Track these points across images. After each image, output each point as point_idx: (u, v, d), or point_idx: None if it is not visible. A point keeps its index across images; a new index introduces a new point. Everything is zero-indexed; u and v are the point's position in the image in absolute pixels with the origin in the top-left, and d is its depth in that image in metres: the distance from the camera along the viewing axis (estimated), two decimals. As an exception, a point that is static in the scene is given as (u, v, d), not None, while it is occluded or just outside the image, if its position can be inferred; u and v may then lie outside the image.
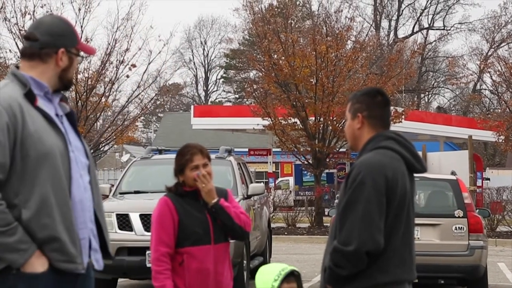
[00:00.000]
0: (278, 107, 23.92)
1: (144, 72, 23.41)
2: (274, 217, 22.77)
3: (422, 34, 58.24)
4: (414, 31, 57.21)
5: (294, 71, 22.89)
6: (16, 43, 21.94)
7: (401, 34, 56.84)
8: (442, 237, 10.64)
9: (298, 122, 23.42)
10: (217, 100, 69.58)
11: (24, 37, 3.42)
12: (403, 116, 24.60)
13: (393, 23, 57.72)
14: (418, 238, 10.46)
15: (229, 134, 39.83)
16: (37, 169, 3.21)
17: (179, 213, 4.65)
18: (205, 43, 69.68)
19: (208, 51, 69.83)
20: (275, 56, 24.09)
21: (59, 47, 3.36)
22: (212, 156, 13.40)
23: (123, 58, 21.99)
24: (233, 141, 38.97)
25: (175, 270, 4.64)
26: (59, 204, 3.23)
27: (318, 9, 27.66)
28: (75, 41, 3.44)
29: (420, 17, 57.66)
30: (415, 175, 3.77)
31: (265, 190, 13.39)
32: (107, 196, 11.66)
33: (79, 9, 21.82)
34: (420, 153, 25.01)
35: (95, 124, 25.06)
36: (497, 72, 28.38)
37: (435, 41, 58.39)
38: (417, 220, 10.67)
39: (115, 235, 10.34)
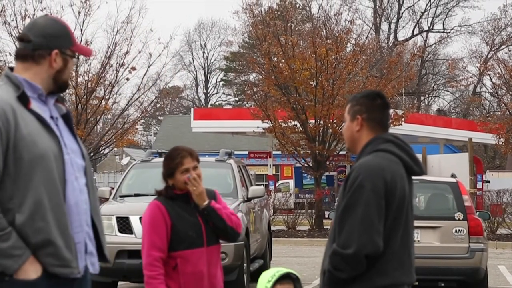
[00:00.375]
0: (278, 110, 23.93)
1: (144, 75, 23.43)
2: (274, 219, 22.76)
3: (422, 36, 58.29)
4: (414, 33, 57.25)
5: (294, 74, 22.90)
6: (16, 47, 21.95)
7: (401, 36, 56.90)
8: (443, 239, 10.64)
9: (298, 125, 23.43)
10: (217, 103, 69.61)
11: (18, 38, 3.39)
12: (403, 119, 24.61)
13: (393, 25, 57.77)
14: (419, 240, 10.46)
15: (229, 137, 39.84)
16: (31, 172, 3.16)
17: (171, 217, 4.61)
18: (205, 46, 69.78)
19: (208, 54, 69.94)
20: (275, 58, 24.10)
21: (52, 49, 3.32)
22: (212, 159, 13.48)
23: (123, 61, 22.01)
24: (233, 144, 38.98)
25: (169, 274, 4.60)
26: (53, 208, 3.19)
27: (318, 12, 27.69)
28: (70, 42, 3.38)
29: (420, 20, 57.73)
30: (415, 177, 3.78)
31: (265, 193, 13.39)
32: (107, 199, 11.67)
33: (79, 12, 21.84)
34: (420, 155, 25.05)
35: (95, 127, 25.09)
36: (497, 75, 28.39)
37: (435, 43, 58.43)
38: (418, 223, 10.69)
39: (115, 238, 10.35)
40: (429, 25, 58.11)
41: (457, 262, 10.52)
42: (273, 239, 15.12)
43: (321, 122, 23.14)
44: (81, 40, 21.61)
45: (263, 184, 25.53)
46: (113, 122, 24.64)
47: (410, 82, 33.91)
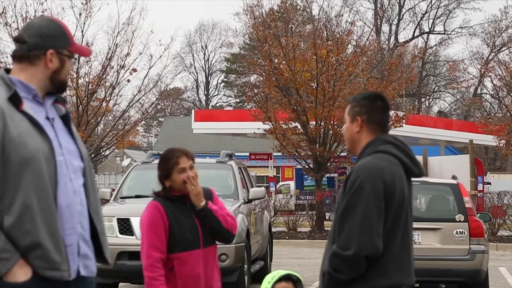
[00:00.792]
0: (279, 111, 23.93)
1: (145, 77, 23.47)
2: (275, 221, 22.77)
3: (423, 38, 58.29)
4: (415, 35, 57.25)
5: (294, 75, 22.90)
6: (17, 48, 21.97)
7: (401, 38, 56.93)
8: (443, 241, 10.64)
9: (299, 126, 23.43)
10: (218, 105, 69.62)
11: (14, 39, 3.37)
12: (403, 121, 24.60)
13: (393, 27, 57.77)
14: (419, 242, 10.46)
15: (230, 139, 39.83)
16: (20, 174, 3.13)
17: (169, 218, 4.60)
18: (206, 47, 69.79)
19: (208, 56, 69.94)
20: (276, 60, 24.11)
21: (47, 49, 3.28)
22: (213, 160, 13.49)
23: (124, 63, 22.04)
24: (234, 145, 38.97)
25: (166, 276, 4.60)
26: (43, 210, 3.15)
27: (319, 14, 27.66)
28: (66, 42, 3.34)
29: (421, 22, 57.74)
30: (415, 179, 3.78)
31: (266, 194, 13.39)
32: (108, 201, 11.67)
33: (80, 14, 21.88)
34: (421, 157, 25.04)
35: (96, 128, 25.10)
36: (498, 76, 28.39)
37: (435, 45, 58.47)
38: (418, 225, 10.67)
39: (116, 239, 10.35)
40: (430, 26, 58.14)
41: (458, 263, 10.52)
42: (273, 240, 15.13)
43: (322, 123, 23.14)
44: (82, 42, 21.64)
45: (263, 186, 25.54)
46: (114, 124, 24.67)
47: (411, 83, 33.89)
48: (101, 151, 24.30)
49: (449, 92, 58.32)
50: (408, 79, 27.22)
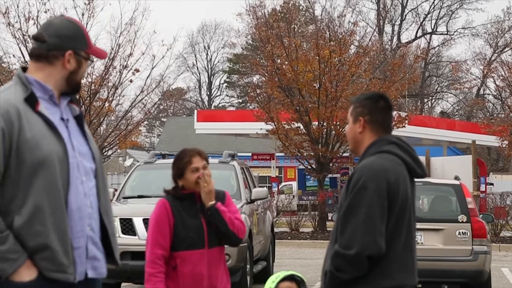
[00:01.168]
0: (282, 112, 23.93)
1: (148, 77, 23.48)
2: (277, 221, 22.76)
3: (425, 39, 58.26)
4: (417, 36, 57.23)
5: (297, 76, 22.90)
6: (20, 48, 21.96)
7: (404, 39, 56.90)
8: (446, 242, 10.63)
9: (302, 127, 23.42)
10: (220, 105, 69.62)
11: (33, 37, 3.37)
12: (406, 121, 24.59)
13: (396, 28, 57.77)
14: (422, 243, 10.45)
15: (232, 139, 39.83)
16: (33, 176, 3.14)
17: (175, 217, 4.66)
18: (208, 47, 69.80)
19: (211, 56, 69.96)
20: (278, 60, 24.11)
21: (66, 49, 3.29)
22: (216, 160, 13.51)
23: (127, 63, 22.03)
24: (236, 145, 38.97)
25: (169, 274, 4.65)
26: (53, 212, 3.16)
27: (321, 14, 27.68)
28: (84, 44, 3.36)
29: (423, 22, 57.70)
30: (418, 180, 3.77)
31: (269, 195, 13.39)
32: (110, 201, 11.67)
33: (83, 14, 21.87)
34: (423, 158, 25.03)
35: (99, 128, 25.09)
36: (501, 77, 28.39)
37: (438, 46, 58.44)
38: (421, 225, 10.65)
39: (119, 239, 10.19)
40: (432, 27, 58.11)
41: (460, 264, 10.51)
42: (276, 241, 15.13)
43: (325, 124, 23.13)
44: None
45: (266, 186, 25.54)
46: (117, 124, 24.67)
47: (413, 84, 33.88)
48: (104, 151, 24.28)
49: (451, 93, 58.28)
50: (410, 80, 27.19)
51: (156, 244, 4.63)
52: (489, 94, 50.44)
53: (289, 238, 21.96)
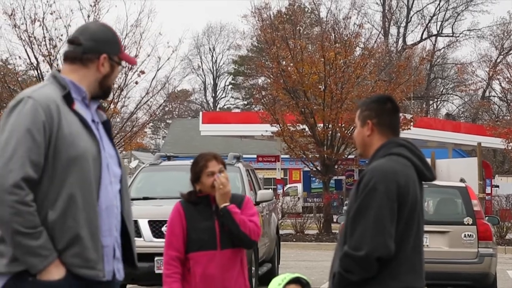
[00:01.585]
0: (287, 114, 23.93)
1: (153, 79, 23.50)
2: (282, 223, 22.76)
3: (431, 41, 58.17)
4: (423, 38, 57.15)
5: (302, 78, 22.90)
6: (26, 50, 22.02)
7: (409, 41, 56.81)
8: (451, 244, 10.61)
9: (307, 129, 23.42)
10: (225, 107, 69.64)
11: (68, 41, 3.44)
12: (411, 123, 24.57)
13: (401, 29, 57.70)
14: (427, 245, 10.44)
15: (238, 141, 39.84)
16: (67, 171, 3.21)
17: (187, 219, 4.74)
18: (214, 49, 69.83)
19: (216, 58, 69.98)
20: (284, 62, 24.11)
21: (101, 53, 3.38)
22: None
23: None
24: (242, 147, 38.97)
25: (185, 275, 4.73)
26: (86, 208, 3.23)
27: (327, 16, 27.67)
28: (118, 49, 3.46)
29: (429, 24, 57.62)
30: (423, 182, 3.77)
31: (274, 197, 13.39)
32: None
33: (88, 16, 21.91)
34: (429, 160, 24.88)
35: (104, 130, 25.08)
36: (506, 79, 28.38)
37: (444, 48, 58.33)
38: (426, 228, 10.65)
39: (124, 241, 10.36)
40: (438, 29, 58.03)
41: (466, 267, 10.50)
42: (281, 243, 15.12)
43: (330, 126, 23.12)
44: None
45: (271, 188, 25.53)
46: (122, 126, 24.69)
47: (419, 86, 33.88)
48: (109, 153, 24.29)
49: (457, 95, 58.19)
50: (416, 82, 27.19)
51: (170, 246, 4.75)
52: (494, 96, 50.37)
53: (294, 240, 21.95)
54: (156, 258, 9.92)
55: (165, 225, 10.00)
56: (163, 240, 5.05)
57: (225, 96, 71.22)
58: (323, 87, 23.08)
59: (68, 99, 3.29)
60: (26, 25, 21.70)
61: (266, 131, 24.86)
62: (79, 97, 3.35)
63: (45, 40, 21.76)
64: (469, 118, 55.88)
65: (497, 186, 32.74)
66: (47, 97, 3.24)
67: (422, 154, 3.73)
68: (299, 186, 36.00)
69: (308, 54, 24.00)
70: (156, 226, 10.35)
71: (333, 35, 24.56)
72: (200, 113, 40.45)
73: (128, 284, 11.15)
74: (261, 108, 27.55)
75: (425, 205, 11.40)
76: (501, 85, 29.85)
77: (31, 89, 3.31)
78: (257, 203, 11.77)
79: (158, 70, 23.00)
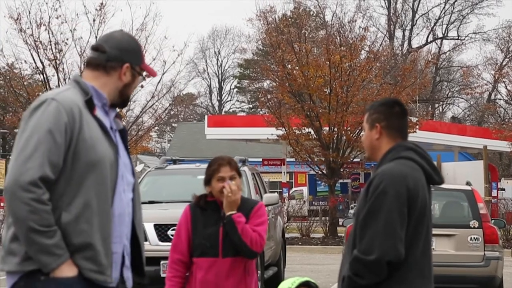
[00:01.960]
0: (292, 117, 23.93)
1: (158, 82, 23.54)
2: (288, 227, 22.74)
3: (436, 44, 58.13)
4: (428, 41, 57.11)
5: (308, 81, 22.90)
6: (31, 54, 22.08)
7: (415, 44, 56.79)
8: (458, 247, 10.59)
9: (312, 132, 23.41)
10: (231, 110, 69.68)
11: (92, 48, 3.48)
12: (417, 126, 24.55)
13: (407, 33, 57.66)
14: (433, 248, 10.36)
15: (243, 144, 39.85)
16: (85, 175, 3.23)
17: (192, 223, 4.75)
18: (219, 53, 69.89)
19: (222, 61, 70.04)
20: (289, 66, 24.11)
21: (124, 62, 3.42)
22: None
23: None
24: (247, 151, 38.96)
25: (188, 279, 4.74)
26: (100, 213, 3.24)
27: (332, 19, 27.65)
28: (140, 59, 3.49)
29: (434, 27, 57.59)
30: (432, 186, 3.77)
31: (279, 200, 13.37)
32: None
33: (94, 20, 21.97)
34: (434, 163, 24.90)
35: (110, 134, 25.10)
36: (512, 82, 28.28)
37: (449, 51, 58.29)
38: (432, 231, 10.59)
39: (130, 245, 10.36)
40: (443, 32, 57.99)
41: (472, 270, 10.47)
42: (287, 246, 15.10)
43: (335, 129, 23.12)
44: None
45: (277, 191, 25.52)
46: (128, 129, 24.72)
47: (424, 89, 33.81)
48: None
49: (463, 98, 58.11)
50: (421, 85, 27.16)
51: (175, 248, 4.78)
52: (500, 99, 50.23)
53: (300, 243, 21.93)
54: (162, 262, 9.91)
55: (171, 229, 10.01)
56: (169, 244, 5.05)
57: (230, 100, 71.32)
58: (329, 90, 23.08)
59: (90, 105, 3.32)
60: (32, 29, 21.78)
61: (272, 134, 24.87)
62: (99, 103, 3.39)
63: (50, 44, 21.82)
64: (475, 121, 55.80)
65: (503, 189, 32.68)
66: (70, 100, 3.27)
67: (430, 157, 3.73)
68: (305, 190, 35.99)
69: (314, 58, 24.01)
70: (162, 230, 10.34)
71: (338, 38, 24.56)
72: (206, 116, 40.47)
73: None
74: (266, 112, 27.56)
75: (431, 208, 11.38)
76: (506, 88, 29.79)
77: (54, 91, 3.34)
78: (262, 207, 11.76)
79: (163, 74, 23.06)
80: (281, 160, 31.91)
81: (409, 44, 56.48)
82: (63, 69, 21.97)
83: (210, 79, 69.93)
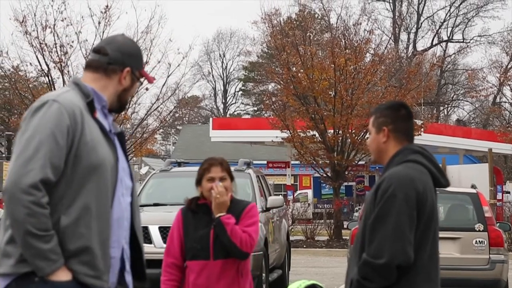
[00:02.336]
0: (297, 120, 23.92)
1: (163, 85, 23.56)
2: (293, 230, 22.73)
3: (441, 46, 58.09)
4: (433, 44, 57.07)
5: (312, 84, 22.89)
6: (37, 57, 22.11)
7: (420, 46, 56.73)
8: (463, 251, 10.57)
9: (317, 135, 23.40)
10: (235, 113, 69.70)
11: (94, 50, 3.45)
12: (422, 129, 24.52)
13: (412, 35, 57.63)
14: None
15: (248, 147, 39.84)
16: (86, 178, 3.19)
17: (184, 227, 4.76)
18: (224, 55, 69.93)
19: (226, 64, 70.08)
20: (294, 68, 24.11)
21: (126, 66, 3.40)
22: (231, 168, 13.42)
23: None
24: (252, 153, 38.98)
25: (183, 282, 4.77)
26: (99, 217, 3.21)
27: (337, 22, 27.63)
28: (140, 65, 3.48)
29: (439, 30, 57.55)
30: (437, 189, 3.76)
31: (284, 203, 13.37)
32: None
33: (99, 23, 21.99)
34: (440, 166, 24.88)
35: (115, 136, 25.10)
36: (517, 85, 28.22)
37: (454, 53, 58.22)
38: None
39: (134, 247, 10.37)
40: (448, 35, 57.94)
41: (477, 273, 10.45)
42: (291, 249, 15.10)
43: (340, 132, 23.10)
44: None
45: (281, 194, 25.52)
46: (132, 132, 24.74)
47: (429, 92, 33.82)
48: (120, 159, 24.33)
49: (467, 101, 58.04)
50: (426, 88, 27.13)
51: (168, 252, 4.81)
52: (505, 102, 50.19)
53: (304, 246, 21.92)
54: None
55: (175, 231, 10.03)
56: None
57: (235, 102, 71.36)
58: (333, 93, 23.07)
59: (91, 107, 3.30)
60: (37, 31, 21.80)
61: (276, 137, 24.85)
62: (99, 106, 3.36)
63: (56, 47, 21.85)
64: (480, 124, 55.71)
65: (508, 192, 32.61)
66: (72, 102, 3.24)
67: (436, 160, 3.73)
68: (310, 192, 35.96)
69: (318, 60, 24.00)
70: (166, 232, 10.33)
71: (343, 41, 24.55)
72: (210, 119, 40.48)
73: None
74: (271, 114, 27.56)
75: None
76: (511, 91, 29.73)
77: (55, 93, 3.30)
78: (267, 209, 11.76)
79: (168, 77, 23.07)
80: (285, 162, 31.89)
81: (414, 47, 56.44)
82: (68, 71, 22.00)
83: (215, 81, 70.05)
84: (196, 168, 4.94)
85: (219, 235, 4.64)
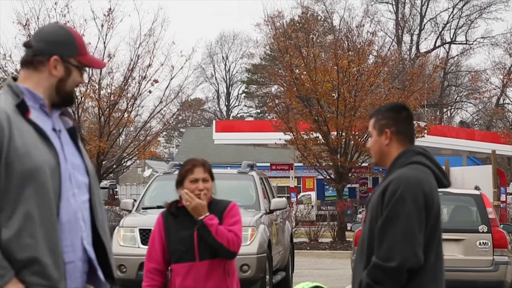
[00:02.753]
0: (300, 122, 23.92)
1: (166, 88, 23.56)
2: (296, 232, 22.72)
3: (444, 48, 58.05)
4: (436, 45, 57.04)
5: (315, 86, 22.90)
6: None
7: (423, 48, 56.70)
8: (466, 252, 10.56)
9: (320, 137, 23.41)
10: (238, 115, 69.70)
11: (23, 44, 3.24)
12: (425, 131, 24.51)
13: (415, 37, 57.61)
14: (442, 253, 10.39)
15: (251, 149, 39.85)
16: (23, 186, 2.97)
17: (166, 231, 4.71)
18: (227, 58, 69.97)
19: (229, 66, 70.11)
20: (297, 70, 24.12)
21: (52, 54, 3.13)
22: (234, 171, 13.50)
23: (146, 74, 22.11)
24: (255, 156, 38.98)
25: (168, 287, 4.72)
26: (44, 224, 2.99)
27: (340, 24, 27.66)
28: (74, 51, 3.18)
29: (442, 32, 57.51)
30: (438, 189, 3.76)
31: (287, 205, 13.37)
32: (130, 211, 11.72)
33: (102, 26, 22.01)
34: (443, 168, 24.88)
35: (118, 139, 25.20)
36: (521, 86, 28.21)
37: (457, 55, 58.17)
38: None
39: (138, 250, 10.38)
40: (451, 36, 57.91)
41: (481, 275, 10.44)
42: (295, 251, 15.10)
43: (343, 134, 23.11)
44: (104, 53, 21.76)
45: (285, 196, 25.53)
46: (136, 135, 24.76)
47: (432, 94, 33.80)
48: (123, 161, 24.38)
49: (471, 103, 57.98)
50: (429, 89, 27.13)
51: (149, 258, 4.74)
52: (509, 104, 50.05)
53: (308, 248, 21.91)
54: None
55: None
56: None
57: (238, 105, 71.37)
58: (337, 95, 23.08)
59: (22, 108, 3.04)
60: (40, 35, 21.77)
61: (280, 139, 24.87)
62: (36, 105, 3.11)
63: (59, 50, 21.84)
64: (483, 125, 55.66)
65: (512, 194, 32.54)
66: None
67: (437, 161, 3.73)
68: (313, 194, 35.96)
69: (321, 62, 24.01)
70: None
71: (346, 43, 24.56)
72: (214, 121, 40.49)
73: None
74: (274, 117, 27.57)
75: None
76: (515, 93, 29.71)
77: None
78: (271, 211, 11.77)
79: (171, 79, 23.05)
80: (289, 165, 31.88)
81: (417, 48, 56.41)
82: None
83: (218, 84, 70.08)
84: None
85: (205, 237, 4.60)
